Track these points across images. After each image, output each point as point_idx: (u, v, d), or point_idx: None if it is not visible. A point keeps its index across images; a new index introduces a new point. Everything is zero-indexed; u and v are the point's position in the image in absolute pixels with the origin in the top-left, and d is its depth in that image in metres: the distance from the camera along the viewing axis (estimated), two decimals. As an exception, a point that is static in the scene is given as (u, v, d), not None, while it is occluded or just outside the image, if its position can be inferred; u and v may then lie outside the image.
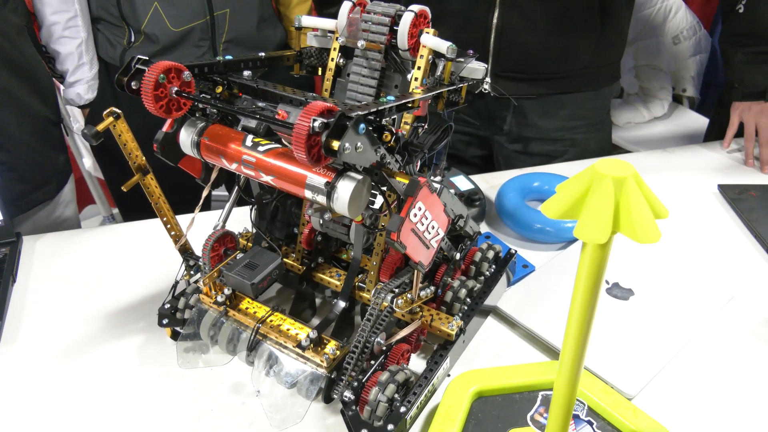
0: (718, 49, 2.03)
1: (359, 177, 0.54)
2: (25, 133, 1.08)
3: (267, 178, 0.57)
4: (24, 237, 0.98)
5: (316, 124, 0.46)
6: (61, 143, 1.19)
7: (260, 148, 0.58)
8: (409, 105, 0.58)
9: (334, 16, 0.70)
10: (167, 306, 0.75)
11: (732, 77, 1.23)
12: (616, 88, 1.31)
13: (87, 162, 1.79)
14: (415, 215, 0.55)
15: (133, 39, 1.15)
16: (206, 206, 0.77)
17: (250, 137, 0.59)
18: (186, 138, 0.62)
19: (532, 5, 1.07)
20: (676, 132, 1.97)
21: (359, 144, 0.48)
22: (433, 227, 0.59)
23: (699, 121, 1.99)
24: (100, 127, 0.59)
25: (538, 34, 1.10)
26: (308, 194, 0.55)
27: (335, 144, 0.46)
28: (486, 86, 0.69)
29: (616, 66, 1.26)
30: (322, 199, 0.55)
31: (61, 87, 1.23)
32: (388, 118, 0.54)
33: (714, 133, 1.44)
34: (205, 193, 0.71)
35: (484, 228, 1.01)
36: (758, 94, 1.19)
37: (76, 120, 1.56)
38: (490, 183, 1.12)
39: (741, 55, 1.19)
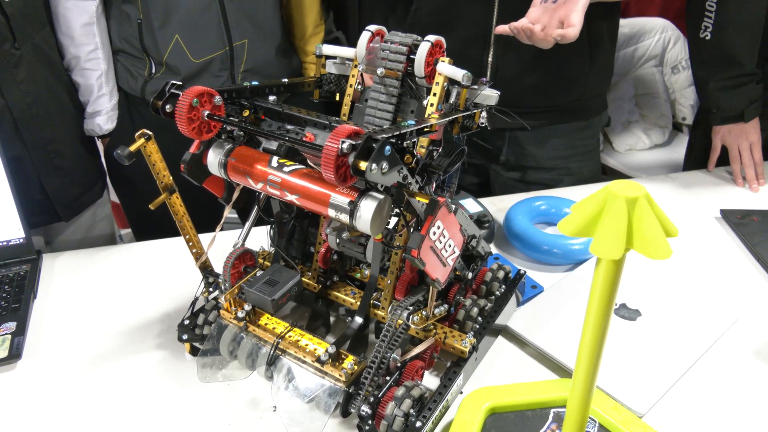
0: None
1: (381, 197, 0.56)
2: (74, 139, 1.14)
3: (291, 197, 0.60)
4: (44, 254, 1.00)
5: (345, 145, 0.49)
6: (96, 145, 1.26)
7: (285, 169, 0.61)
8: (427, 129, 0.61)
9: None
10: (187, 322, 0.77)
11: (708, 104, 1.24)
12: (605, 117, 1.35)
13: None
14: (434, 233, 0.57)
15: (154, 70, 1.17)
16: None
17: (275, 158, 0.62)
18: (213, 159, 0.65)
19: (526, 45, 1.11)
20: (676, 159, 2.00)
21: (384, 165, 0.51)
22: (450, 245, 0.61)
23: (698, 149, 2.03)
24: (133, 147, 0.62)
25: (532, 72, 1.14)
26: (332, 213, 0.58)
27: (363, 165, 0.49)
28: (483, 120, 0.73)
29: (604, 97, 1.30)
30: (344, 217, 0.57)
31: None
32: (408, 141, 0.57)
33: (693, 156, 1.45)
34: (226, 212, 0.73)
35: (493, 250, 1.03)
36: (736, 116, 1.21)
37: None
38: (498, 206, 1.15)
39: (715, 83, 1.19)
